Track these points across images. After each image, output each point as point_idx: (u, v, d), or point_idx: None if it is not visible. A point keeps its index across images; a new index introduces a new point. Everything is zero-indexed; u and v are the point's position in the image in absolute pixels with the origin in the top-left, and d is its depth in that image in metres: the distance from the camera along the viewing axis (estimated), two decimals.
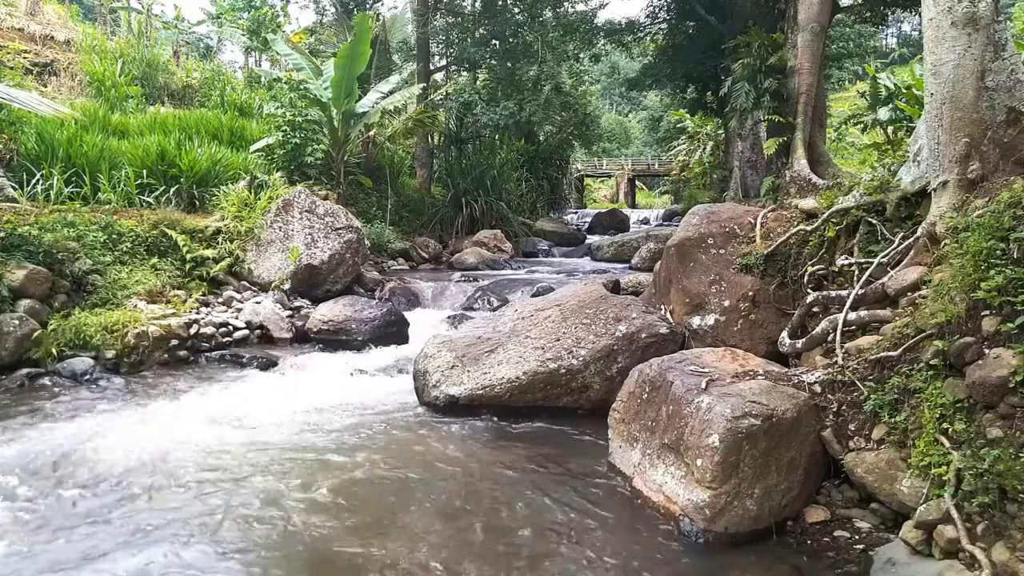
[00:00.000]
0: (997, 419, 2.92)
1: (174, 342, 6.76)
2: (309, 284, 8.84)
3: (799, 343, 4.57)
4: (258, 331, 7.70)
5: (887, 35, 57.77)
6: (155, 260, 7.87)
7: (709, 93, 17.98)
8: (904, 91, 14.82)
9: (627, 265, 12.96)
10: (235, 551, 3.22)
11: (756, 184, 12.94)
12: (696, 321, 5.72)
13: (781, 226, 5.68)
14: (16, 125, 9.03)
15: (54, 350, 6.10)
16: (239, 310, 7.89)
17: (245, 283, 8.61)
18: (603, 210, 25.63)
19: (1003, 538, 2.65)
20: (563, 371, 5.30)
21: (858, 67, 25.64)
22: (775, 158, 10.45)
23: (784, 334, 4.81)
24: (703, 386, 3.71)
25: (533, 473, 4.22)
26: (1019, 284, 3.06)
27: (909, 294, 4.02)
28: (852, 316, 4.23)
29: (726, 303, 5.58)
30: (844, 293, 4.48)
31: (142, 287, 7.40)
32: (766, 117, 10.56)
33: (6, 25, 14.46)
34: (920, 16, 4.62)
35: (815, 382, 3.83)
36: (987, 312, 3.16)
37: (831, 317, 4.35)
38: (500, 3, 19.64)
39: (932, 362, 3.32)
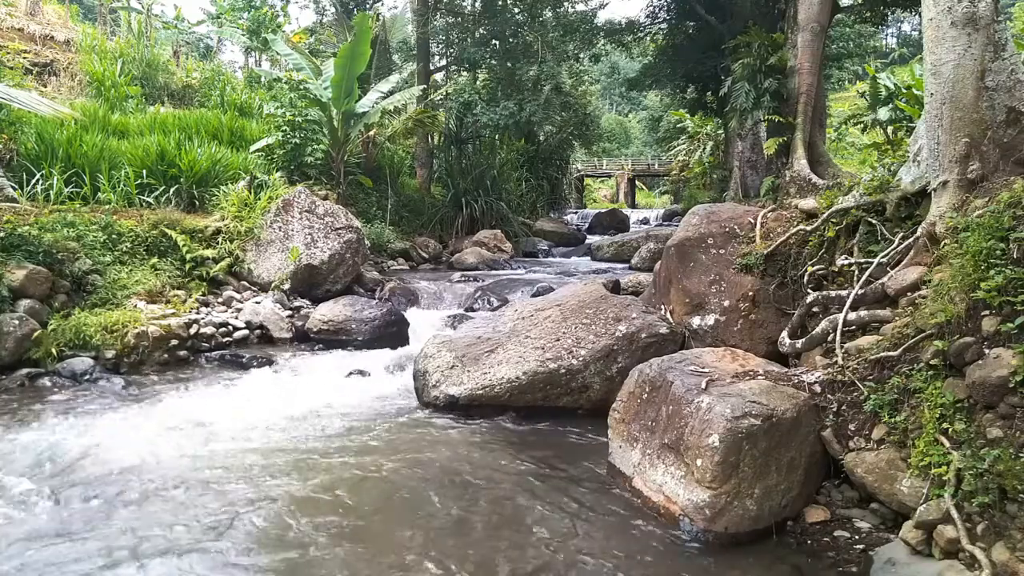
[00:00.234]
0: (997, 419, 2.92)
1: (174, 342, 6.76)
2: (309, 284, 8.84)
3: (799, 343, 4.57)
4: (258, 331, 7.70)
5: (887, 35, 57.78)
6: (155, 260, 7.87)
7: (709, 93, 17.97)
8: (904, 91, 14.82)
9: (627, 265, 12.96)
10: (236, 552, 3.22)
11: (756, 184, 12.94)
12: (696, 321, 5.72)
13: (781, 226, 5.68)
14: (16, 125, 9.02)
15: (54, 350, 6.10)
16: (239, 310, 7.89)
17: (245, 283, 8.61)
18: (603, 210, 25.65)
19: (1003, 538, 2.65)
20: (563, 371, 5.30)
21: (858, 67, 25.64)
22: (775, 158, 10.45)
23: (784, 334, 4.81)
24: (703, 386, 3.71)
25: (533, 473, 4.22)
26: (1019, 284, 3.06)
27: (909, 294, 4.02)
28: (852, 316, 4.23)
29: (726, 303, 5.58)
30: (844, 293, 4.48)
31: (142, 287, 7.40)
32: (766, 117, 10.56)
33: (6, 25, 14.46)
34: (920, 16, 4.62)
35: (815, 382, 3.83)
36: (987, 312, 3.16)
37: (831, 317, 4.35)
38: (500, 3, 19.64)
39: (932, 362, 3.32)
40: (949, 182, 4.12)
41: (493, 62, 20.34)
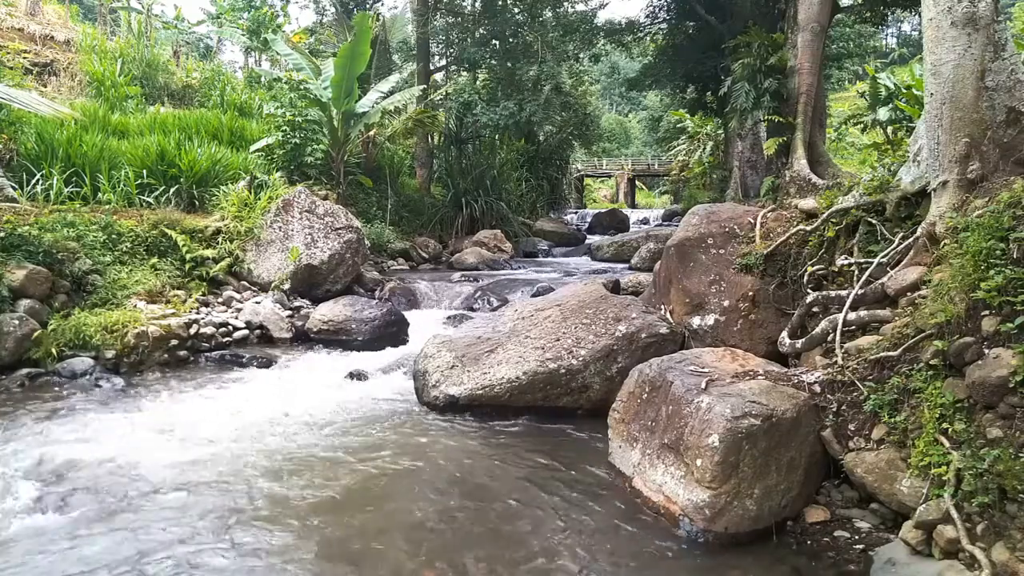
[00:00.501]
0: (997, 419, 2.92)
1: (174, 342, 6.76)
2: (309, 284, 8.84)
3: (799, 343, 4.57)
4: (258, 331, 7.70)
5: (887, 35, 57.79)
6: (155, 260, 7.87)
7: (709, 93, 17.98)
8: (904, 91, 14.82)
9: (627, 265, 12.96)
10: (236, 553, 3.22)
11: (756, 184, 12.95)
12: (696, 321, 5.72)
13: (781, 226, 5.68)
14: (16, 125, 9.02)
15: (54, 350, 6.10)
16: (239, 310, 7.89)
17: (245, 283, 8.61)
18: (603, 210, 25.65)
19: (1003, 538, 2.65)
20: (563, 371, 5.30)
21: (858, 67, 25.65)
22: (775, 158, 10.46)
23: (784, 334, 4.81)
24: (703, 386, 3.71)
25: (533, 473, 4.22)
26: (1019, 284, 3.06)
27: (909, 294, 4.02)
28: (852, 316, 4.23)
29: (726, 303, 5.58)
30: (844, 293, 4.48)
31: (142, 287, 7.40)
32: (766, 117, 10.57)
33: (6, 25, 14.46)
34: (920, 16, 4.62)
35: (815, 382, 3.83)
36: (987, 312, 3.16)
37: (831, 317, 4.35)
38: (500, 3, 19.64)
39: (932, 362, 3.32)
40: (949, 182, 4.12)
41: (493, 62, 20.35)
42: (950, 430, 3.05)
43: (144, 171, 9.31)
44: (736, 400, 3.50)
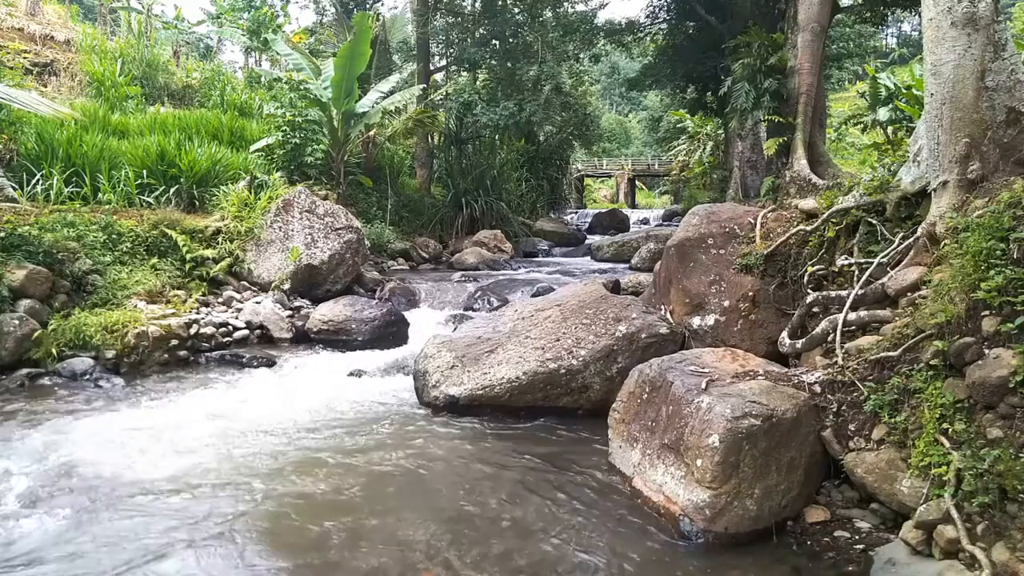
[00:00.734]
0: (997, 419, 2.92)
1: (174, 342, 6.76)
2: (309, 284, 8.84)
3: (799, 343, 4.57)
4: (258, 331, 7.70)
5: (887, 35, 57.78)
6: (155, 260, 7.87)
7: (709, 93, 17.98)
8: (904, 91, 14.84)
9: (627, 265, 12.95)
10: (237, 553, 3.22)
11: (756, 184, 12.95)
12: (696, 321, 5.72)
13: (781, 226, 5.68)
14: (16, 125, 9.03)
15: (54, 350, 6.10)
16: (239, 310, 7.89)
17: (245, 283, 8.61)
18: (603, 210, 25.63)
19: (1003, 538, 2.65)
20: (563, 371, 5.30)
21: (858, 67, 25.65)
22: (775, 158, 10.46)
23: (784, 334, 4.81)
24: (703, 386, 3.71)
25: (533, 473, 4.22)
26: (1019, 284, 3.06)
27: (909, 294, 4.02)
28: (852, 316, 4.23)
29: (726, 303, 5.58)
30: (844, 293, 4.48)
31: (142, 287, 7.40)
32: (766, 117, 10.57)
33: (6, 25, 14.46)
34: (920, 16, 4.62)
35: (815, 382, 3.83)
36: (987, 312, 3.16)
37: (831, 317, 4.35)
38: (500, 3, 19.64)
39: (932, 362, 3.32)
40: (949, 182, 4.12)
41: (493, 62, 20.35)
42: (950, 430, 3.05)
43: (144, 171, 9.32)
44: (736, 400, 3.51)
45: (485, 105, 18.75)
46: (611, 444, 4.28)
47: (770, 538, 3.35)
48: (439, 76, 21.63)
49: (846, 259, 4.88)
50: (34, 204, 7.87)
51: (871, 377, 3.65)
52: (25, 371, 5.92)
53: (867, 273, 4.47)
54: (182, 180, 9.50)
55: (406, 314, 8.27)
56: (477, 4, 20.33)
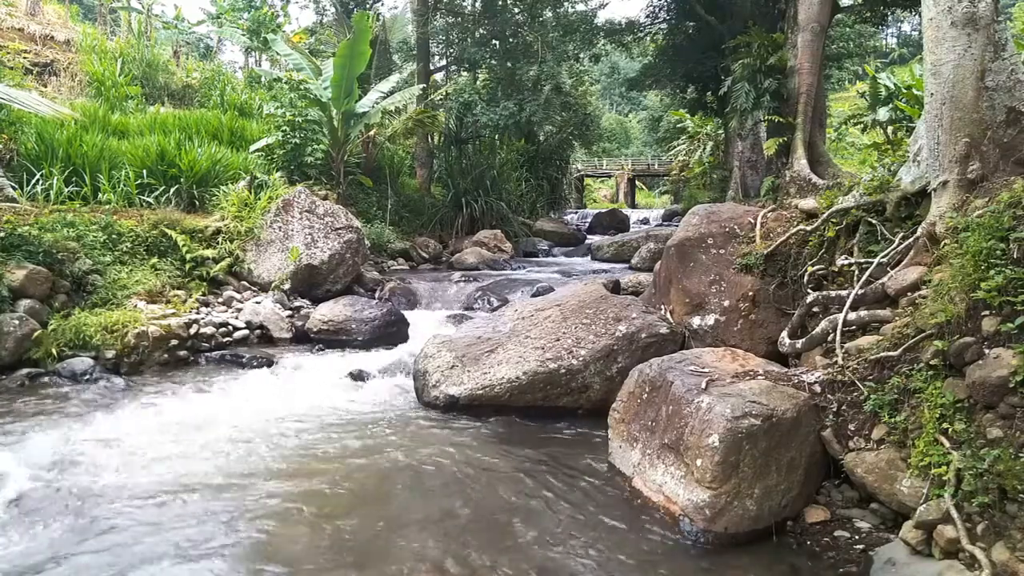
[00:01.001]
0: (997, 419, 2.92)
1: (174, 342, 6.76)
2: (309, 284, 8.84)
3: (799, 343, 4.57)
4: (258, 331, 7.70)
5: (887, 35, 57.80)
6: (155, 260, 7.87)
7: (709, 93, 17.97)
8: (904, 91, 14.84)
9: (627, 265, 12.94)
10: (237, 554, 3.22)
11: (756, 184, 12.95)
12: (696, 321, 5.72)
13: (781, 226, 5.68)
14: (16, 125, 9.03)
15: (54, 350, 6.10)
16: (239, 310, 7.89)
17: (245, 283, 8.61)
18: (603, 210, 25.65)
19: (1003, 538, 2.65)
20: (563, 371, 5.30)
21: (858, 67, 25.63)
22: (775, 158, 10.46)
23: (784, 334, 4.81)
24: (703, 386, 3.71)
25: (533, 473, 4.21)
26: (1019, 284, 3.06)
27: (909, 294, 4.02)
28: (852, 316, 4.23)
29: (726, 303, 5.58)
30: (844, 293, 4.48)
31: (142, 287, 7.40)
32: (766, 117, 10.57)
33: (6, 25, 14.46)
34: (920, 16, 4.62)
35: (815, 382, 3.83)
36: (987, 312, 3.16)
37: (831, 317, 4.35)
38: (500, 3, 19.64)
39: (932, 362, 3.32)
40: (949, 182, 4.12)
41: (493, 62, 20.34)
42: (950, 430, 3.05)
43: (144, 171, 9.32)
44: (736, 400, 3.51)
45: (485, 105, 18.74)
46: (611, 444, 4.28)
47: (770, 538, 3.35)
48: (439, 76, 21.64)
49: (846, 259, 4.88)
50: (34, 204, 7.88)
51: (871, 377, 3.65)
52: (25, 371, 5.92)
53: (867, 273, 4.47)
54: (182, 180, 9.50)
55: (406, 314, 8.27)
56: (477, 4, 20.33)
